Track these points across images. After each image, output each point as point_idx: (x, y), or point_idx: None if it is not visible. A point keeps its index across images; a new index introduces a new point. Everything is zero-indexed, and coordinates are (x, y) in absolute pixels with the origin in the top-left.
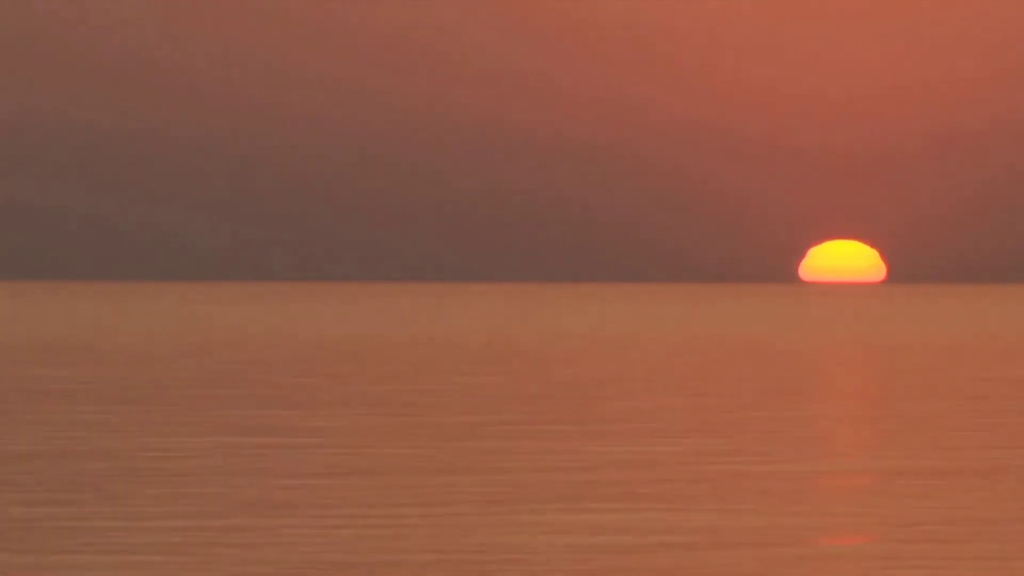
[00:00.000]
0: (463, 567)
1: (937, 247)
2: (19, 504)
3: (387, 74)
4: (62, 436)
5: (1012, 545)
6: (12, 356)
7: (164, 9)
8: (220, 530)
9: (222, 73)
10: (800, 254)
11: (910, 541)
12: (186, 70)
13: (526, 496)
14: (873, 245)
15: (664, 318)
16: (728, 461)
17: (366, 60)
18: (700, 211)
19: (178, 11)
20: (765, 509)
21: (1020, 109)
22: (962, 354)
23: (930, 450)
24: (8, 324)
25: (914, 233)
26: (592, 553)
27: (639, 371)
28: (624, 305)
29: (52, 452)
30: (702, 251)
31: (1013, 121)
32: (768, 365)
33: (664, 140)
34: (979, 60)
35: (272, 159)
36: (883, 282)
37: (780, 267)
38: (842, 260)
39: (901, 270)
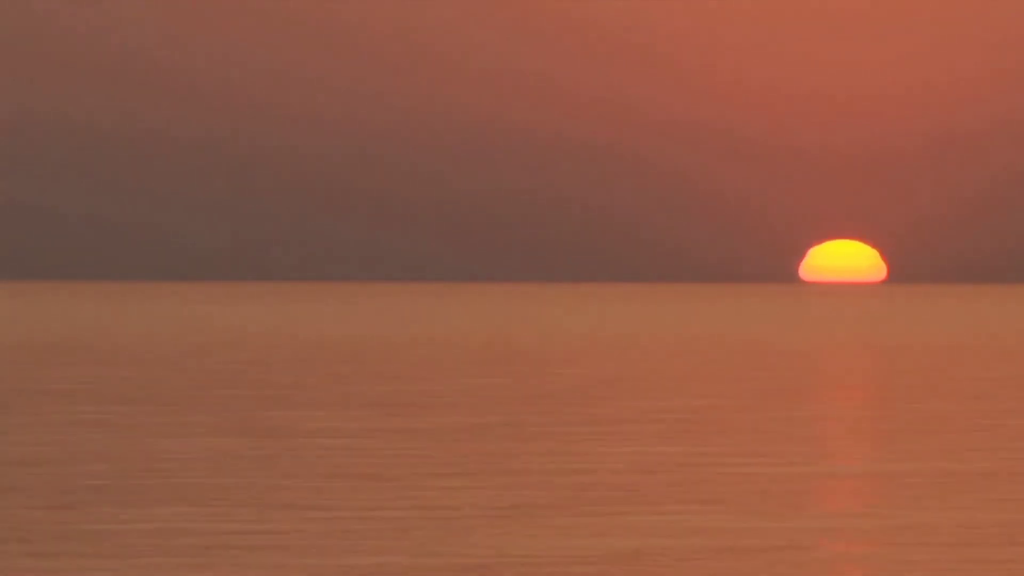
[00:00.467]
0: (466, 572)
1: (937, 247)
2: (20, 507)
3: (387, 74)
4: (63, 436)
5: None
6: (12, 356)
7: (164, 9)
8: (220, 533)
9: (222, 73)
10: (800, 254)
11: (921, 544)
12: (186, 70)
13: (535, 500)
14: (873, 245)
15: (664, 318)
16: (733, 462)
17: (366, 60)
18: (700, 211)
19: (178, 11)
20: (775, 512)
21: (1020, 109)
22: (963, 354)
23: (935, 451)
24: (8, 324)
25: (914, 233)
26: (599, 562)
27: (639, 371)
28: (624, 305)
29: (53, 453)
30: (702, 251)
31: (1013, 121)
32: (769, 365)
33: (664, 140)
34: (979, 60)
35: (272, 159)
36: (883, 282)
37: (780, 267)
38: (842, 260)
39: (901, 270)
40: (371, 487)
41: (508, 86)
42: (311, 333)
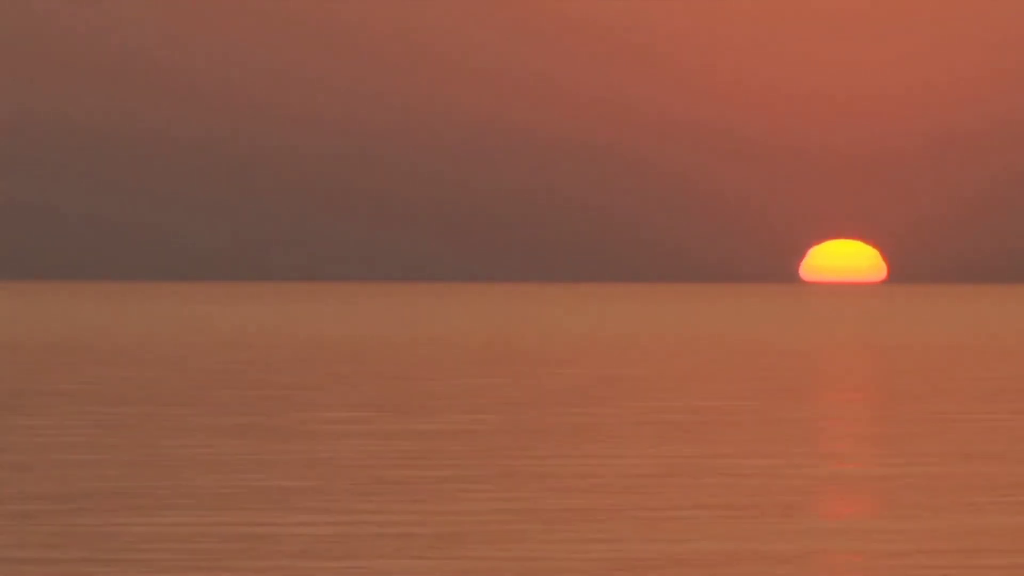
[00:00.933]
0: None
1: (937, 247)
2: (19, 507)
3: (387, 74)
4: (65, 437)
5: None
6: (12, 357)
7: (164, 9)
8: (223, 535)
9: (222, 73)
10: (800, 254)
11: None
12: (186, 70)
13: (539, 504)
14: (874, 244)
15: (664, 318)
16: (740, 464)
17: (366, 60)
18: (700, 211)
19: (178, 11)
20: (789, 514)
21: (1020, 109)
22: (964, 354)
23: (942, 451)
24: (8, 324)
25: (914, 233)
26: (611, 568)
27: (640, 371)
28: (624, 305)
29: (54, 455)
30: (702, 251)
31: (1013, 121)
32: (770, 366)
33: (664, 140)
34: (979, 61)
35: (272, 159)
36: (883, 282)
37: (780, 267)
38: (842, 260)
39: (902, 270)
40: (375, 488)
41: (508, 86)
42: (311, 333)
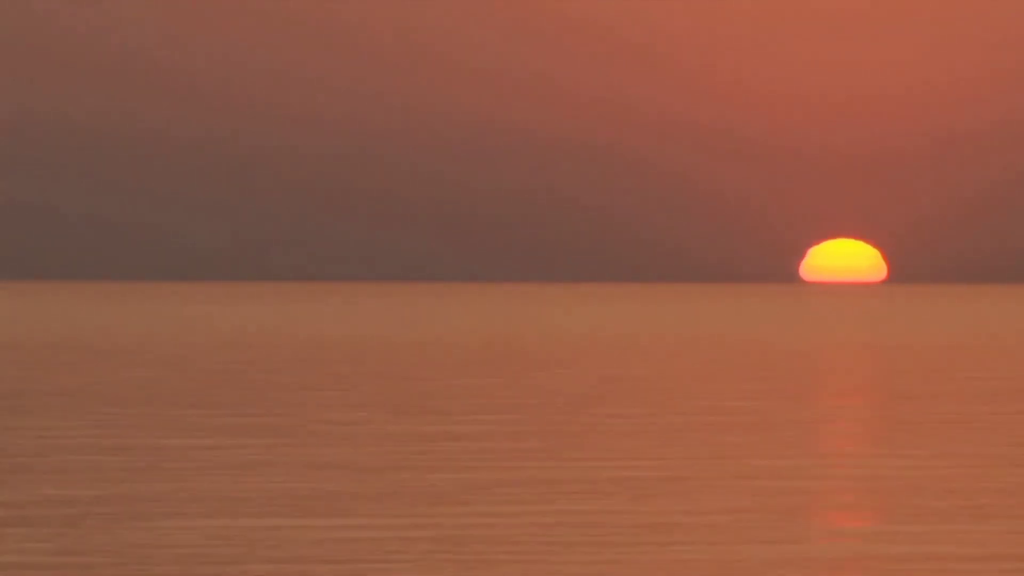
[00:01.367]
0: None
1: (938, 247)
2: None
3: (387, 74)
4: (67, 438)
5: None
6: (13, 357)
7: (164, 9)
8: (221, 538)
9: (222, 73)
10: (800, 254)
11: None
12: (186, 70)
13: (543, 498)
14: (874, 244)
15: (664, 318)
16: (748, 466)
17: (366, 60)
18: (700, 211)
19: (178, 11)
20: (803, 516)
21: (1020, 109)
22: (965, 354)
23: (950, 451)
24: (9, 324)
25: (915, 233)
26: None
27: (641, 372)
28: (624, 305)
29: (54, 457)
30: (702, 251)
31: (1013, 121)
32: (771, 366)
33: (664, 140)
34: (979, 61)
35: (272, 159)
36: (884, 282)
37: (780, 267)
38: (843, 260)
39: (902, 270)
40: (374, 491)
41: (508, 86)
42: (311, 333)
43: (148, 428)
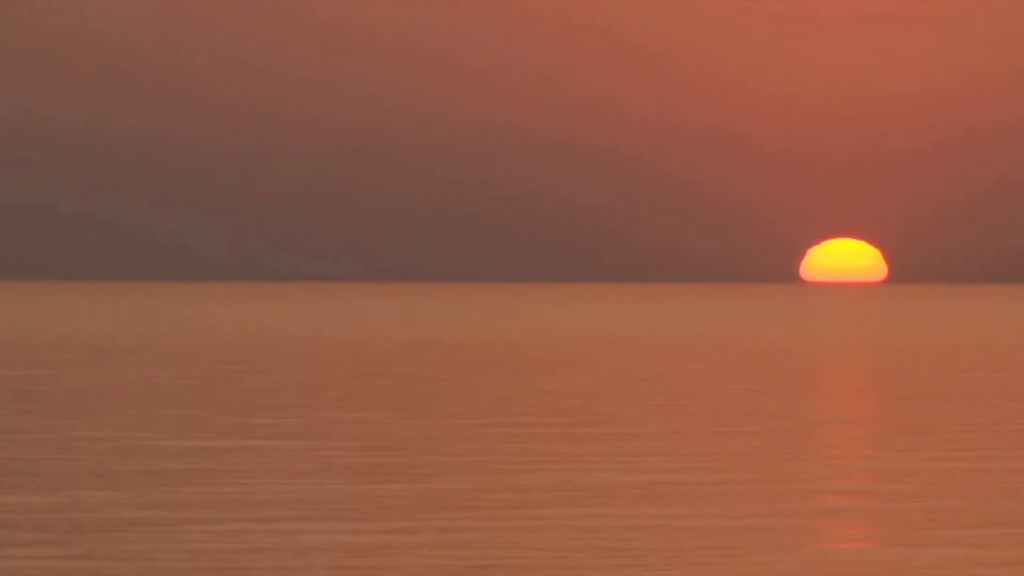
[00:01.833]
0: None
1: (938, 247)
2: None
3: (387, 74)
4: (70, 439)
5: None
6: (13, 357)
7: (164, 9)
8: (223, 536)
9: (222, 73)
10: (800, 254)
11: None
12: (186, 70)
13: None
14: (875, 244)
15: (665, 318)
16: (756, 467)
17: (365, 60)
18: (700, 211)
19: (178, 11)
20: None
21: (1020, 110)
22: (967, 354)
23: (959, 452)
24: (9, 324)
25: (915, 233)
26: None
27: (642, 372)
28: (624, 305)
29: (57, 455)
30: (702, 251)
31: (1013, 121)
32: (772, 366)
33: (664, 140)
34: (979, 61)
35: (271, 159)
36: (884, 281)
37: (780, 267)
38: (843, 260)
39: (903, 270)
40: (378, 491)
41: (508, 86)
42: (311, 333)
43: (151, 429)
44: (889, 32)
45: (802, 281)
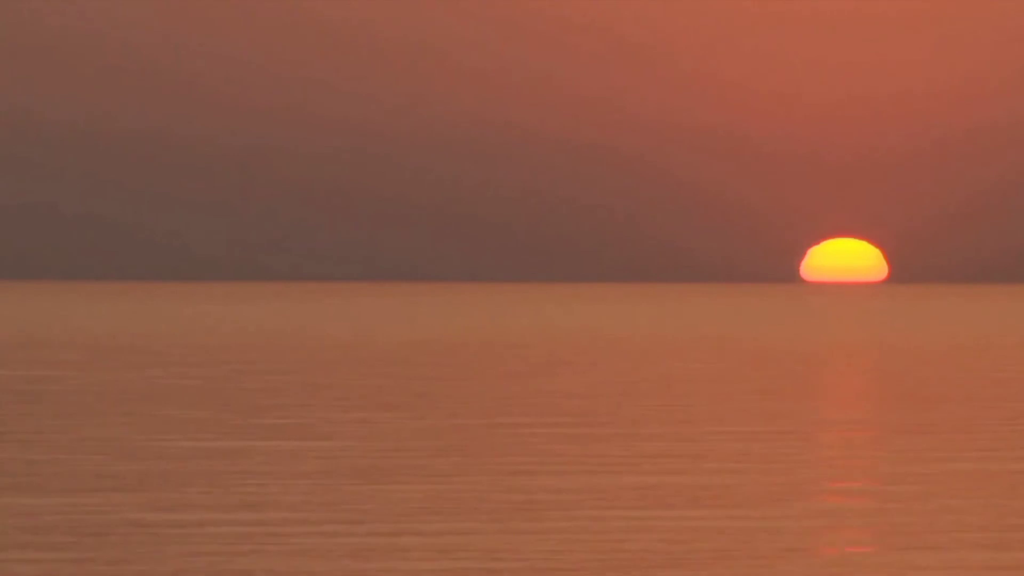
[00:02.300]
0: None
1: (939, 247)
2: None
3: (387, 74)
4: (72, 440)
5: None
6: (13, 357)
7: (164, 9)
8: (224, 536)
9: (222, 73)
10: (800, 254)
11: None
12: (186, 70)
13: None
14: (876, 244)
15: (665, 318)
16: (761, 468)
17: (365, 60)
18: (700, 211)
19: (178, 11)
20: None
21: (1020, 110)
22: (967, 354)
23: (960, 452)
24: (9, 324)
25: (916, 233)
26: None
27: (642, 372)
28: (624, 305)
29: (60, 455)
30: (702, 251)
31: (1013, 121)
32: (772, 366)
33: (664, 141)
34: (979, 61)
35: (272, 159)
36: (884, 281)
37: (780, 267)
38: (843, 259)
39: (903, 270)
40: (378, 493)
41: (508, 86)
42: (312, 333)
43: (151, 429)
44: (889, 32)
45: (802, 281)
